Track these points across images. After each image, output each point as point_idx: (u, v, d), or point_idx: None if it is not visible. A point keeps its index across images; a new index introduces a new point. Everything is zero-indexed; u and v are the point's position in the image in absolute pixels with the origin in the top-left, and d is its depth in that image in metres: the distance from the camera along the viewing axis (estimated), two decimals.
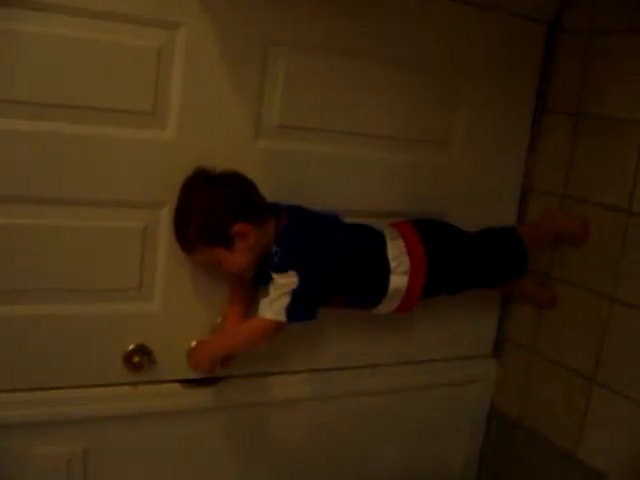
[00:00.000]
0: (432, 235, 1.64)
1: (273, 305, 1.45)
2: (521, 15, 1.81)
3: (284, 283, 1.44)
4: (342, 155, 1.68)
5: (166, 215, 1.51)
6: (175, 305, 1.58)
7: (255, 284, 1.57)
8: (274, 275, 1.45)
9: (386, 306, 1.61)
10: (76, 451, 1.55)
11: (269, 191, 1.57)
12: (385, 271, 1.56)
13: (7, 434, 1.48)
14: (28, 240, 1.42)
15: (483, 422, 2.06)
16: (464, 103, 1.80)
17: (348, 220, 1.63)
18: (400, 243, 1.59)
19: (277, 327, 1.47)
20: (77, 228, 1.45)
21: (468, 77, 1.79)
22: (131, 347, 1.55)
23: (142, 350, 1.56)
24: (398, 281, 1.57)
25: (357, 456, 1.91)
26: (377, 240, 1.60)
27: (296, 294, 1.44)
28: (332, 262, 1.50)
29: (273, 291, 1.46)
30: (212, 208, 1.44)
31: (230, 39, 1.49)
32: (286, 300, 1.44)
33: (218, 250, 1.46)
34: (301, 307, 1.45)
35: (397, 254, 1.58)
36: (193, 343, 1.60)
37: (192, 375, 1.62)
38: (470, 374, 2.01)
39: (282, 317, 1.44)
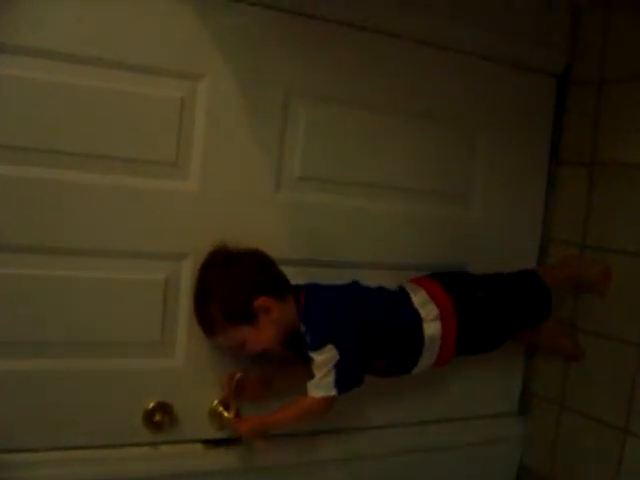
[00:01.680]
0: (450, 280, 1.62)
1: (321, 383, 1.44)
2: (532, 69, 1.85)
3: (325, 360, 1.42)
4: (362, 207, 1.68)
5: (188, 267, 1.49)
6: (197, 361, 1.53)
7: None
8: (312, 355, 1.43)
9: (425, 359, 1.57)
10: None
11: (289, 243, 1.58)
12: (417, 321, 1.53)
13: None
14: (46, 292, 1.39)
15: None
16: (481, 156, 1.81)
17: (371, 276, 1.61)
18: (422, 292, 1.58)
19: (330, 402, 1.46)
20: (97, 280, 1.43)
21: (484, 130, 1.81)
22: (152, 405, 1.49)
23: (163, 408, 1.50)
24: (431, 328, 1.54)
25: None
26: (400, 295, 1.58)
27: (340, 367, 1.43)
28: (361, 324, 1.48)
29: (317, 371, 1.44)
30: (233, 285, 1.43)
31: (252, 90, 1.52)
32: (332, 375, 1.43)
33: (242, 328, 1.43)
34: (348, 377, 1.45)
35: (422, 302, 1.55)
36: (215, 402, 1.56)
37: (215, 435, 1.57)
38: (496, 433, 1.95)
39: (333, 392, 1.44)
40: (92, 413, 1.45)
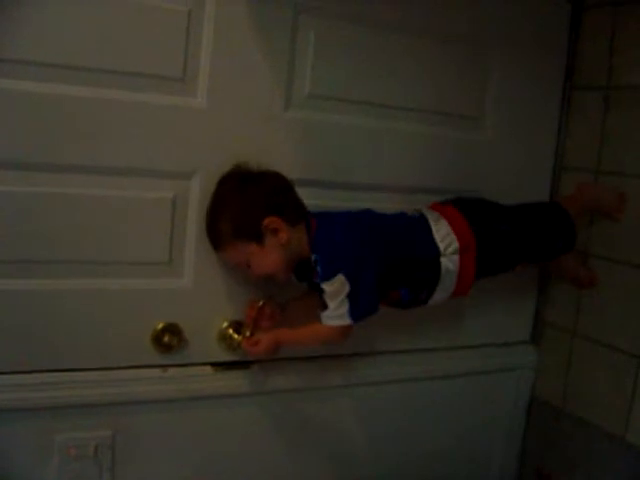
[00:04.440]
0: (474, 211, 1.57)
1: (334, 314, 1.41)
2: None
3: (336, 290, 1.39)
4: (373, 127, 1.63)
5: (196, 185, 1.46)
6: (206, 282, 1.51)
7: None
8: (323, 286, 1.40)
9: (442, 293, 1.54)
10: (103, 437, 1.46)
11: (299, 162, 1.54)
12: (435, 254, 1.50)
13: (26, 418, 1.40)
14: (53, 210, 1.36)
15: (524, 411, 1.97)
16: (494, 77, 1.77)
17: (384, 199, 1.60)
18: (444, 223, 1.53)
19: (346, 330, 1.44)
20: (104, 198, 1.39)
21: (497, 51, 1.76)
22: (160, 326, 1.47)
23: (172, 329, 1.48)
24: (450, 262, 1.50)
25: (393, 443, 1.82)
26: (420, 224, 1.53)
27: (352, 296, 1.40)
28: (375, 252, 1.44)
29: (329, 301, 1.41)
30: (246, 202, 1.39)
31: (261, 6, 1.46)
32: (345, 305, 1.40)
33: (249, 246, 1.40)
34: (362, 306, 1.42)
35: (444, 235, 1.51)
36: (224, 324, 1.53)
37: (225, 357, 1.55)
38: (508, 361, 1.93)
39: (347, 321, 1.42)
40: (101, 334, 1.43)
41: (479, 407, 1.92)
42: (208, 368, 1.55)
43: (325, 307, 1.43)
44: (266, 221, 1.38)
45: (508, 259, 1.62)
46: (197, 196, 1.46)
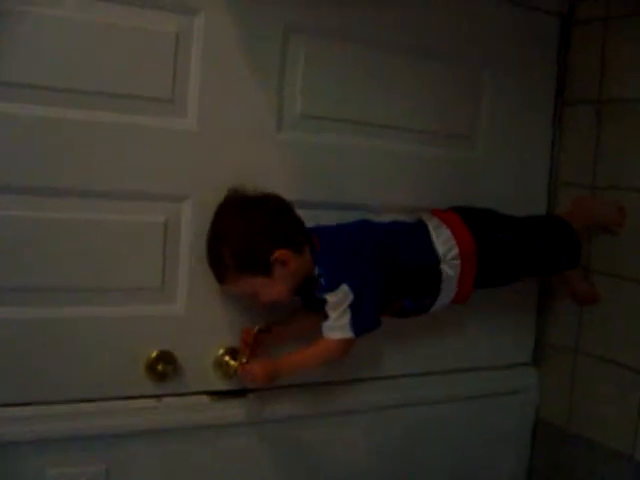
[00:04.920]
0: (475, 218, 1.56)
1: (336, 324, 1.38)
2: (536, 8, 1.80)
3: (339, 300, 1.37)
4: (366, 147, 1.62)
5: (188, 209, 1.43)
6: (200, 308, 1.46)
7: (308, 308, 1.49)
8: (327, 297, 1.38)
9: (443, 299, 1.52)
10: (96, 472, 1.40)
11: (292, 184, 1.51)
12: (435, 261, 1.48)
13: (17, 453, 1.33)
14: (39, 234, 1.31)
15: (529, 432, 1.93)
16: (487, 96, 1.76)
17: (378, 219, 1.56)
18: (444, 230, 1.51)
19: (347, 345, 1.41)
20: (95, 222, 1.36)
21: (488, 69, 1.76)
22: (154, 354, 1.42)
23: (166, 358, 1.43)
24: (450, 269, 1.49)
25: (395, 470, 1.76)
26: (420, 231, 1.52)
27: (355, 307, 1.37)
28: (377, 265, 1.42)
29: (331, 312, 1.38)
30: (250, 233, 1.34)
31: (250, 26, 1.45)
32: (347, 316, 1.37)
33: (256, 279, 1.36)
34: (364, 318, 1.40)
35: (443, 240, 1.50)
36: (220, 351, 1.49)
37: (221, 386, 1.50)
38: (511, 384, 1.89)
39: (349, 333, 1.38)
40: (93, 364, 1.38)
41: (484, 430, 1.87)
42: (204, 397, 1.50)
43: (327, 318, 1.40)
44: (275, 255, 1.34)
45: (509, 270, 1.59)
46: (190, 220, 1.43)
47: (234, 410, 1.52)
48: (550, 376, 1.90)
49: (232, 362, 1.47)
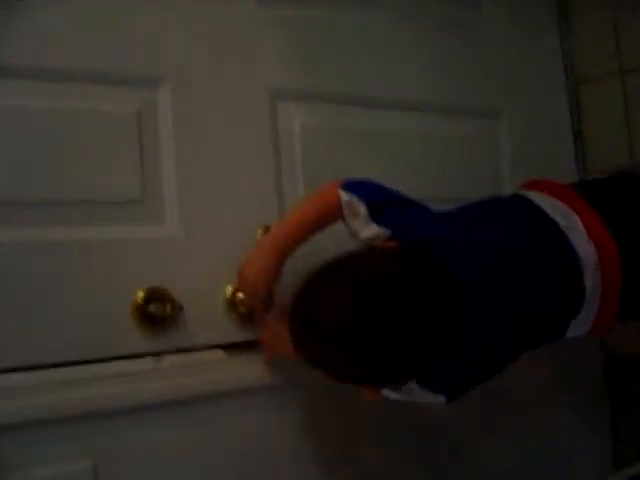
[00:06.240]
0: (611, 208, 1.09)
1: None
2: None
3: None
4: None
5: None
6: (197, 229, 1.09)
7: None
8: None
9: (579, 324, 1.07)
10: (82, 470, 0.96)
11: None
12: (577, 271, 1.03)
13: None
14: None
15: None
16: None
17: None
18: (577, 222, 1.06)
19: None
20: None
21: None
22: (141, 293, 1.03)
23: (158, 295, 1.04)
24: (590, 280, 1.03)
25: None
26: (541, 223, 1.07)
27: None
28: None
29: None
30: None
31: (231, 94, 1.16)
32: None
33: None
34: None
35: (579, 241, 1.04)
36: (229, 288, 1.10)
37: (238, 336, 1.10)
38: None
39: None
40: (59, 314, 0.97)
41: None
42: (219, 352, 1.09)
43: None
44: None
45: None
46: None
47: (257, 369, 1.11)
48: None
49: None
